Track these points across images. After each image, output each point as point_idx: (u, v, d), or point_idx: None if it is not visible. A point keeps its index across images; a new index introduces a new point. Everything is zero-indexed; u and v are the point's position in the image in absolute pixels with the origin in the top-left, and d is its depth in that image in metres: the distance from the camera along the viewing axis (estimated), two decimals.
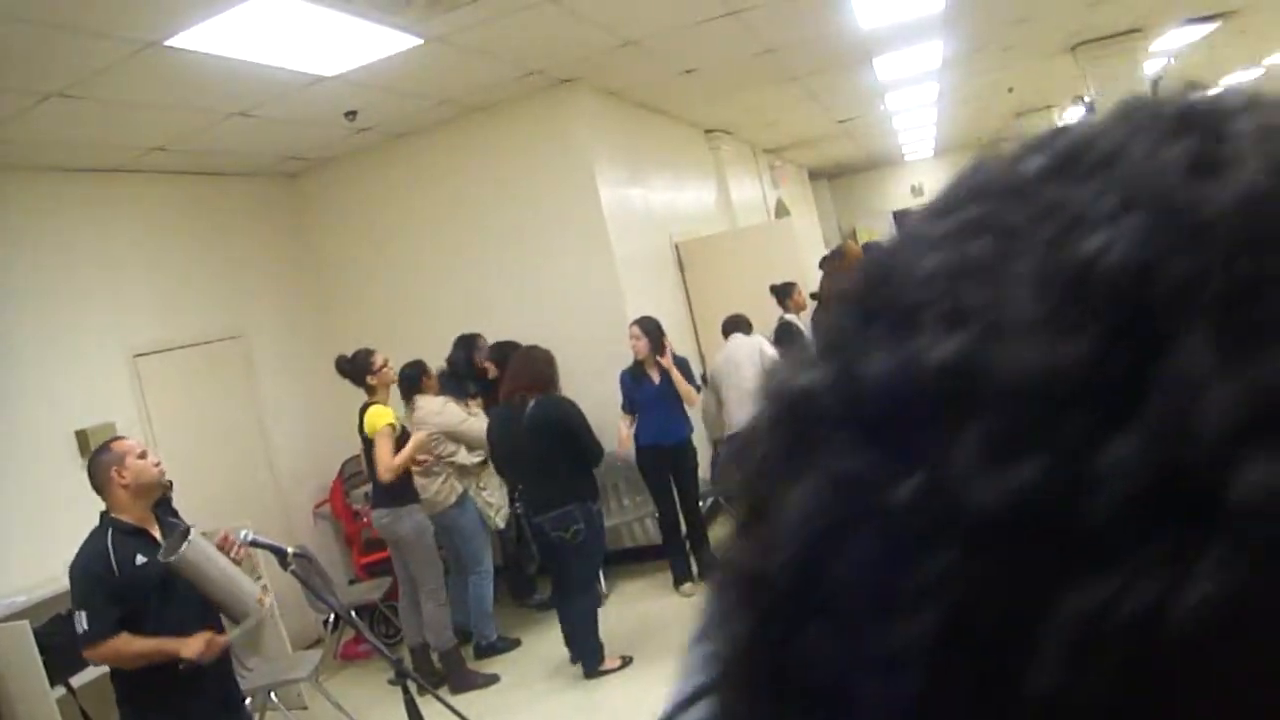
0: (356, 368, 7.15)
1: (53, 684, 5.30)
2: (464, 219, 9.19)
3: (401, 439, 6.95)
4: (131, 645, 4.01)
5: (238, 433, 8.43)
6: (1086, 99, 12.81)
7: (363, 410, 7.07)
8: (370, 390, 7.13)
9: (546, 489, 6.50)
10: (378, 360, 7.12)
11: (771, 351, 8.31)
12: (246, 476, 8.37)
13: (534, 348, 6.90)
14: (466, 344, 8.09)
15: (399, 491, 6.95)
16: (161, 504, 5.63)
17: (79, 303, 7.26)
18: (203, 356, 8.20)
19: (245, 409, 8.58)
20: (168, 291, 8.06)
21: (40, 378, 6.83)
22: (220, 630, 4.32)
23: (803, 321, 9.19)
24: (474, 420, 7.50)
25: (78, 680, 5.24)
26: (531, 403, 6.50)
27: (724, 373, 8.46)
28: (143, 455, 4.34)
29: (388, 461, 6.75)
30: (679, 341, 9.14)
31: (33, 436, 6.58)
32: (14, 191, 6.97)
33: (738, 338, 8.46)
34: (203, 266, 8.47)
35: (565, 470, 6.44)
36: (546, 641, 7.14)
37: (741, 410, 8.31)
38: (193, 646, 4.02)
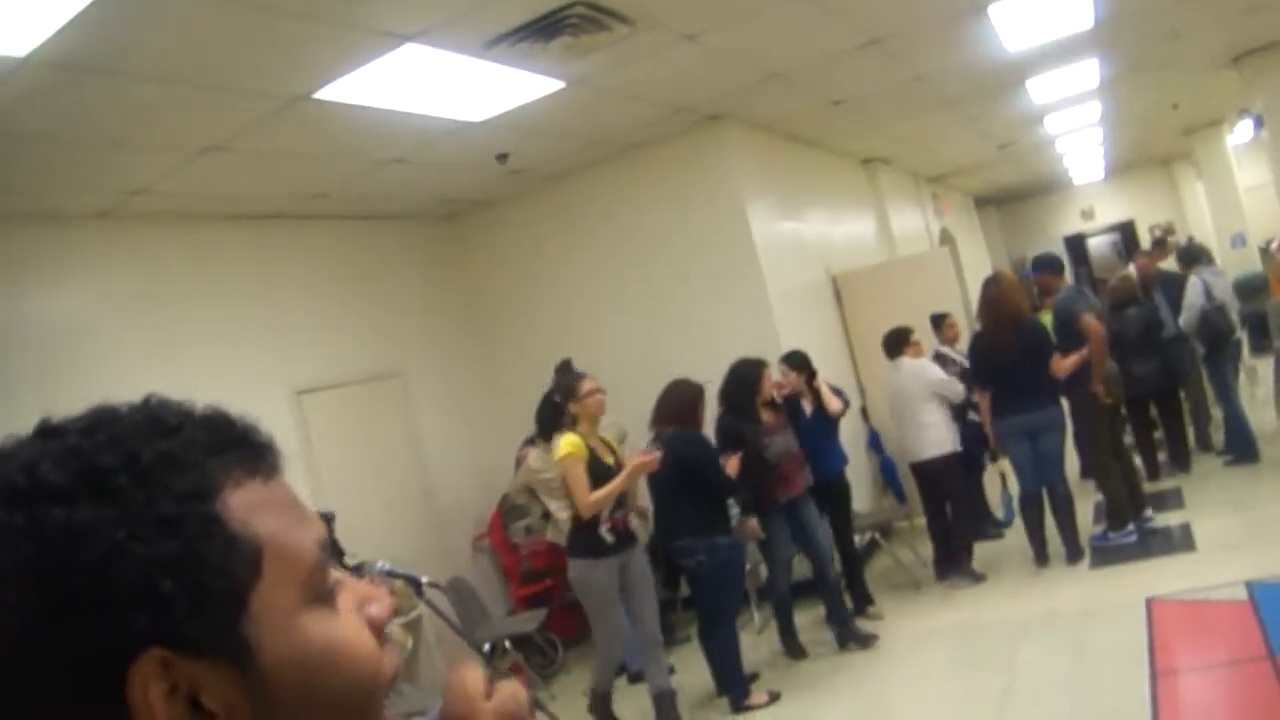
0: (563, 387, 6.72)
1: None
2: (618, 256, 9.35)
3: (597, 471, 6.27)
4: None
5: (397, 467, 8.70)
6: (1253, 112, 12.41)
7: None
8: (572, 419, 6.54)
9: (671, 520, 6.65)
10: (583, 386, 6.51)
11: (937, 375, 8.23)
12: (406, 509, 8.62)
13: (681, 382, 6.94)
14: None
15: (573, 540, 6.47)
16: None
17: (244, 342, 7.61)
18: (364, 393, 8.49)
19: (405, 444, 8.85)
20: (330, 331, 8.40)
21: None
22: None
23: (956, 351, 9.09)
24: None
25: None
26: (667, 435, 6.63)
27: (897, 407, 8.42)
28: None
29: (581, 497, 6.17)
30: (836, 373, 9.14)
31: None
32: (179, 239, 7.37)
33: (903, 367, 8.39)
34: (364, 307, 8.80)
35: (688, 504, 6.53)
36: (698, 672, 7.14)
37: (916, 441, 8.27)
38: None
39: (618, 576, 6.31)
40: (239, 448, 0.80)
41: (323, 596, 0.80)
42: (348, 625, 0.81)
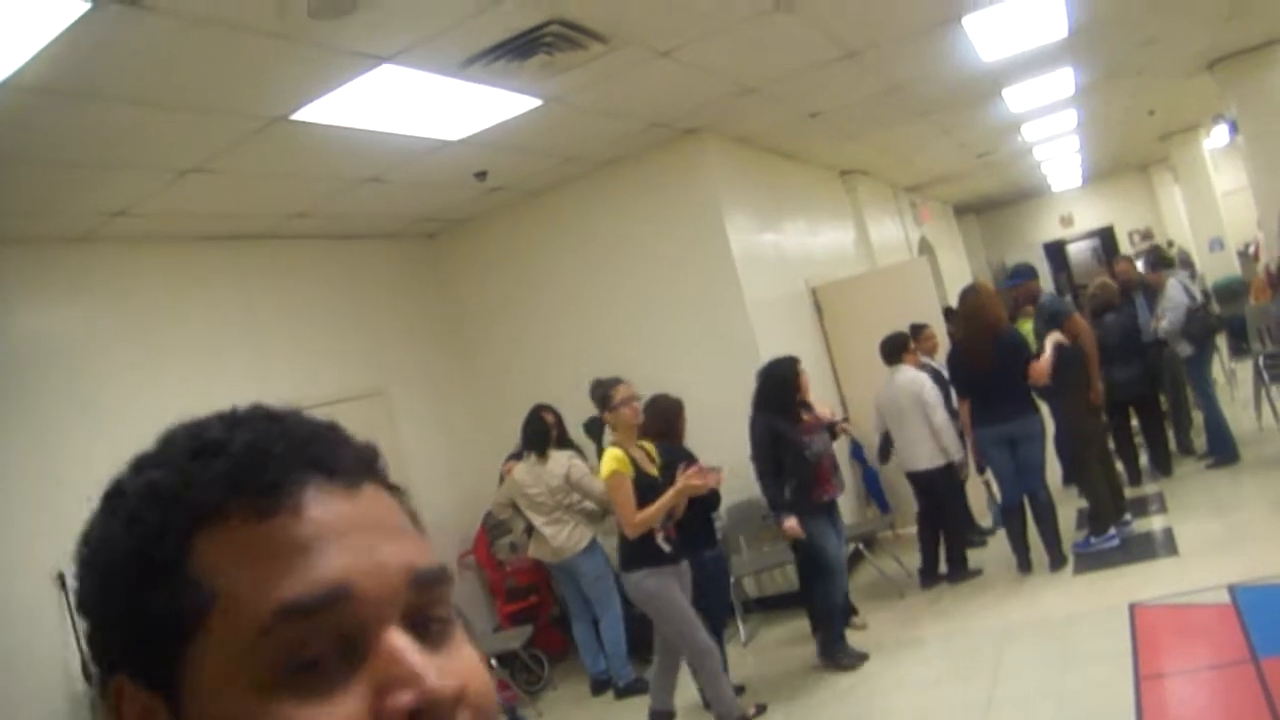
0: (598, 397, 6.27)
1: None
2: (598, 271, 9.38)
3: (642, 486, 5.94)
4: None
5: None
6: (1228, 117, 12.49)
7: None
8: (610, 428, 6.36)
9: None
10: (617, 394, 6.12)
11: (928, 394, 8.22)
12: None
13: (661, 397, 6.96)
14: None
15: (627, 552, 6.07)
16: None
17: (225, 362, 7.59)
18: (345, 412, 8.33)
19: (388, 462, 8.78)
20: (311, 350, 8.40)
21: None
22: None
23: (936, 361, 9.12)
24: (597, 482, 7.62)
25: None
26: None
27: (890, 414, 8.41)
28: None
29: (628, 516, 5.86)
30: (817, 384, 9.15)
31: None
32: (160, 261, 7.38)
33: (900, 375, 8.40)
34: (345, 326, 8.81)
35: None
36: (684, 685, 7.14)
37: (912, 451, 8.30)
38: None
39: (677, 584, 6.01)
40: (242, 481, 0.71)
41: (295, 671, 0.67)
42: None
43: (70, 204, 6.18)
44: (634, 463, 5.98)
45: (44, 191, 5.81)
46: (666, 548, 5.95)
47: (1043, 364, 7.78)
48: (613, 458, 5.94)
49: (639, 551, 5.94)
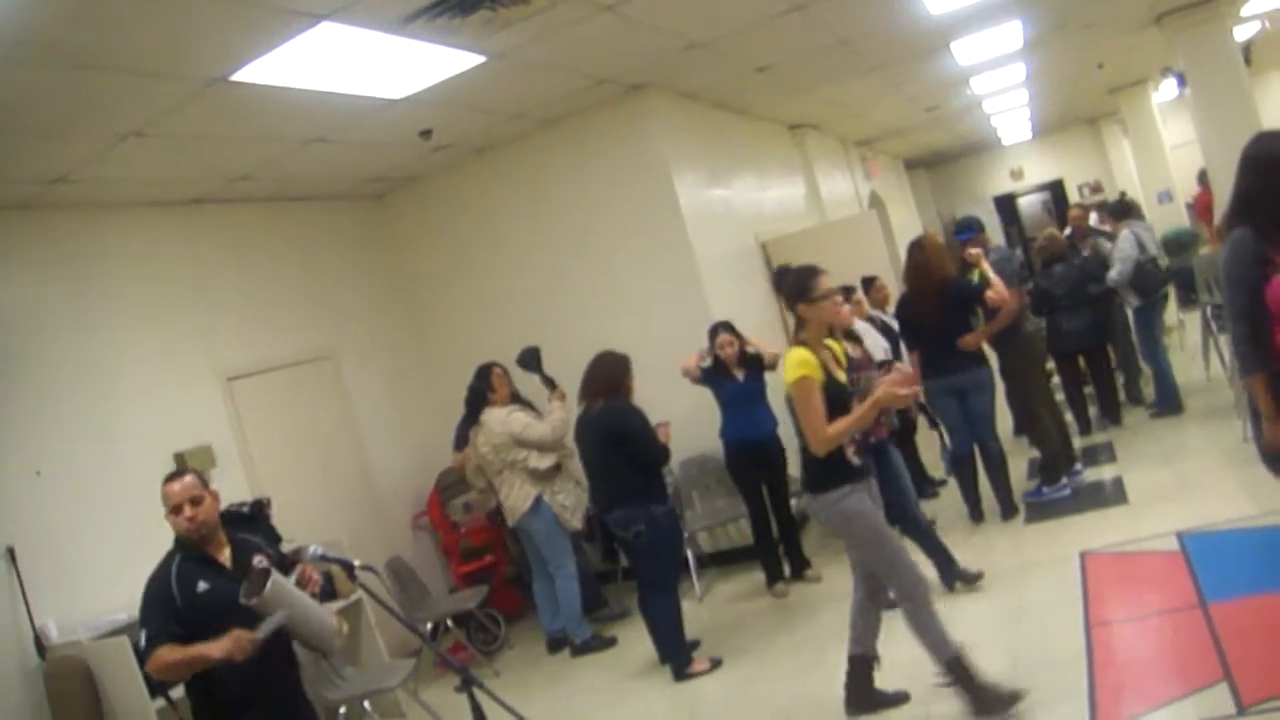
0: (791, 285, 5.17)
1: (153, 696, 5.54)
2: (546, 229, 9.33)
3: (831, 393, 4.94)
4: (170, 656, 3.95)
5: (334, 449, 8.63)
6: (1176, 71, 12.54)
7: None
8: (800, 324, 5.17)
9: (609, 490, 6.66)
10: (818, 286, 5.04)
11: (872, 346, 8.23)
12: (344, 492, 8.57)
13: (607, 354, 6.96)
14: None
15: (815, 471, 5.09)
16: (243, 522, 5.78)
17: (173, 330, 7.51)
18: (295, 377, 8.41)
19: (340, 426, 8.78)
20: (258, 315, 8.31)
21: (140, 403, 7.08)
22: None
23: (885, 313, 9.14)
24: (539, 425, 7.64)
25: (176, 693, 5.40)
26: (598, 408, 6.66)
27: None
28: (176, 509, 4.15)
29: (817, 431, 4.85)
30: (769, 337, 9.16)
31: (133, 459, 6.81)
32: (104, 228, 7.24)
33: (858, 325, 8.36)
34: (292, 289, 8.72)
35: (623, 474, 6.53)
36: (640, 642, 7.16)
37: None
38: (221, 646, 3.88)
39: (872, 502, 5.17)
40: None
41: None
42: None
43: (9, 171, 6.05)
44: (823, 367, 4.99)
45: None
46: (857, 461, 5.08)
47: (972, 339, 7.80)
48: (799, 361, 4.90)
49: (830, 468, 5.02)
